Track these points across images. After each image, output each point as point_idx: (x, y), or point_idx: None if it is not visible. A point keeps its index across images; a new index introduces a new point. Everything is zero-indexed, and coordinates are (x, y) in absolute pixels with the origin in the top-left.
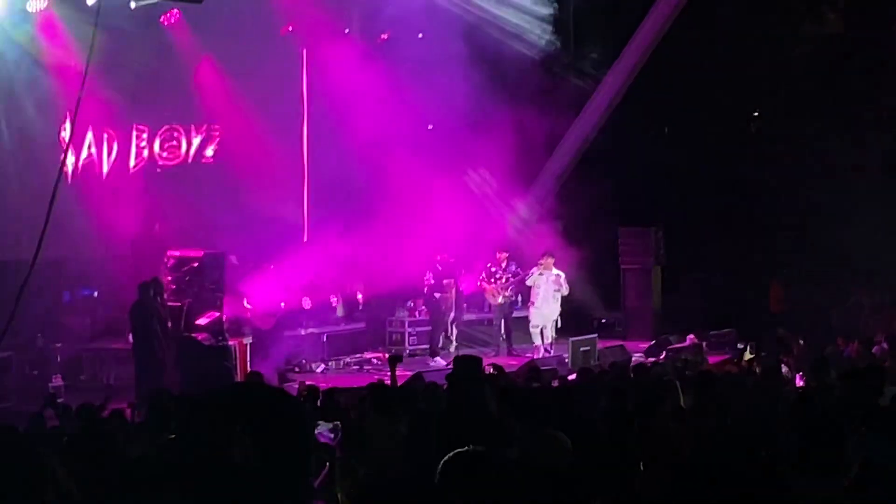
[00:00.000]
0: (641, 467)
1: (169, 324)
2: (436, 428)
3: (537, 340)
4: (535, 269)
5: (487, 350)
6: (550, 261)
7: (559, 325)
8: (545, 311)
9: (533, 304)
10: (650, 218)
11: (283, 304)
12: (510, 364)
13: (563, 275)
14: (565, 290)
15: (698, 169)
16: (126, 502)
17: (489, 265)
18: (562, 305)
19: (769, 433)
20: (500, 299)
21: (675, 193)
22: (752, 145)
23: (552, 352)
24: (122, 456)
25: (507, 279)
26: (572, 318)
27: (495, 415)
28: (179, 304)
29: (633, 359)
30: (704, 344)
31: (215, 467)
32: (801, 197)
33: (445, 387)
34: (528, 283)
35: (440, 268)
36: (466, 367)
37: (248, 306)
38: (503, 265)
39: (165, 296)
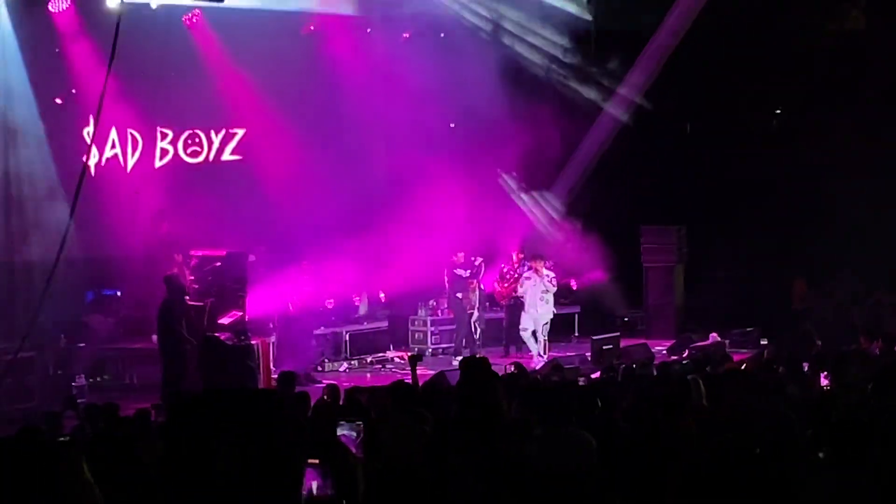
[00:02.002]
0: (665, 466)
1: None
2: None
3: (531, 346)
4: (526, 272)
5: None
6: (541, 263)
7: (548, 327)
8: (534, 315)
9: (524, 310)
10: (672, 216)
11: (290, 305)
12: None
13: (551, 274)
14: (552, 288)
15: (720, 166)
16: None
17: (503, 266)
18: (583, 304)
19: (791, 432)
20: (511, 301)
21: (698, 191)
22: (775, 142)
23: (545, 357)
24: (138, 459)
25: (521, 280)
26: (595, 316)
27: (508, 415)
28: (202, 303)
29: (656, 357)
30: (727, 342)
31: (198, 475)
32: (824, 194)
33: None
34: (520, 292)
35: (462, 267)
36: (474, 369)
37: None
38: (516, 266)
39: (188, 295)
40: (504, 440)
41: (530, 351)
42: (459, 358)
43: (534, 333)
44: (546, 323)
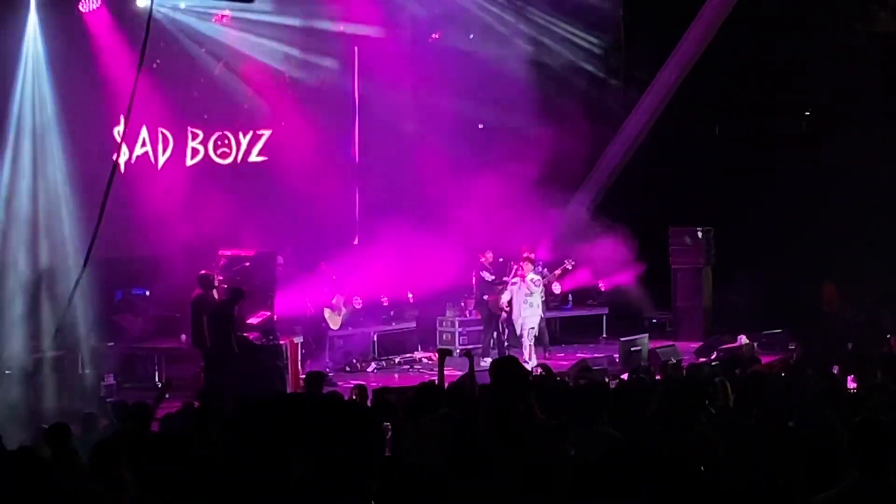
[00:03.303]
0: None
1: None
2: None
3: (525, 350)
4: (513, 277)
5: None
6: (529, 267)
7: (535, 332)
8: (519, 320)
9: (508, 312)
10: (701, 218)
11: (310, 306)
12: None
13: (537, 278)
14: (535, 289)
15: (749, 168)
16: None
17: (515, 267)
18: (611, 305)
19: (819, 434)
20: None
21: (726, 193)
22: (803, 144)
23: (531, 362)
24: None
25: (508, 285)
26: (623, 317)
27: (539, 416)
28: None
29: (685, 359)
30: (756, 344)
31: (268, 481)
32: (853, 196)
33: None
34: (504, 299)
35: (489, 270)
36: (505, 370)
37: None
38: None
39: (217, 294)
40: (538, 439)
41: (546, 352)
42: (488, 359)
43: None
44: (532, 328)
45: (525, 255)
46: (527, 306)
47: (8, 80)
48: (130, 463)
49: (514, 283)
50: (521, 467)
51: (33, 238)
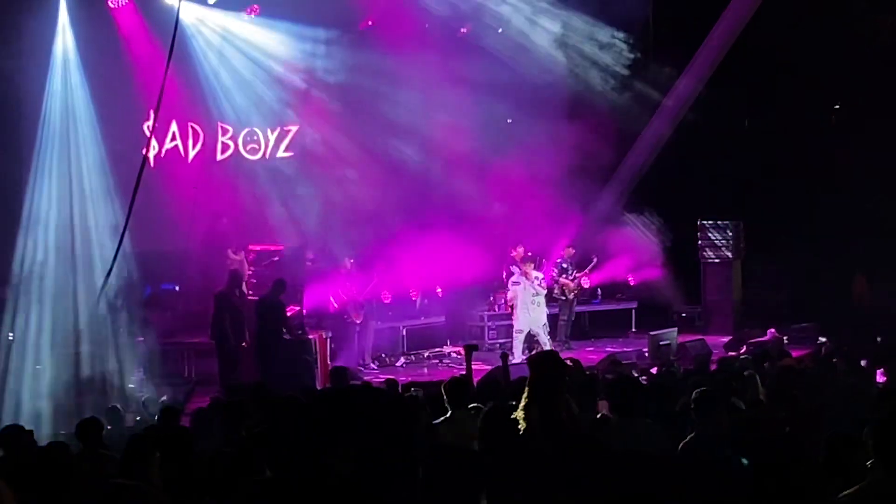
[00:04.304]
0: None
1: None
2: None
3: (517, 348)
4: (514, 277)
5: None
6: (530, 267)
7: (547, 328)
8: (525, 317)
9: (515, 315)
10: (730, 211)
11: (333, 300)
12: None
13: (541, 276)
14: (542, 290)
15: (779, 162)
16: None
17: (559, 260)
18: (640, 299)
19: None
20: (571, 294)
21: (756, 186)
22: (833, 137)
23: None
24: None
25: (510, 285)
26: (652, 311)
27: (576, 410)
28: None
29: (714, 353)
30: (785, 338)
31: (312, 474)
32: (883, 189)
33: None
34: (509, 297)
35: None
36: (545, 363)
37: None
38: (570, 260)
39: (247, 289)
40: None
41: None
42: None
43: (529, 336)
44: (544, 324)
45: (523, 254)
46: (534, 306)
47: (40, 78)
48: (161, 457)
49: (516, 284)
50: (562, 458)
51: (71, 237)
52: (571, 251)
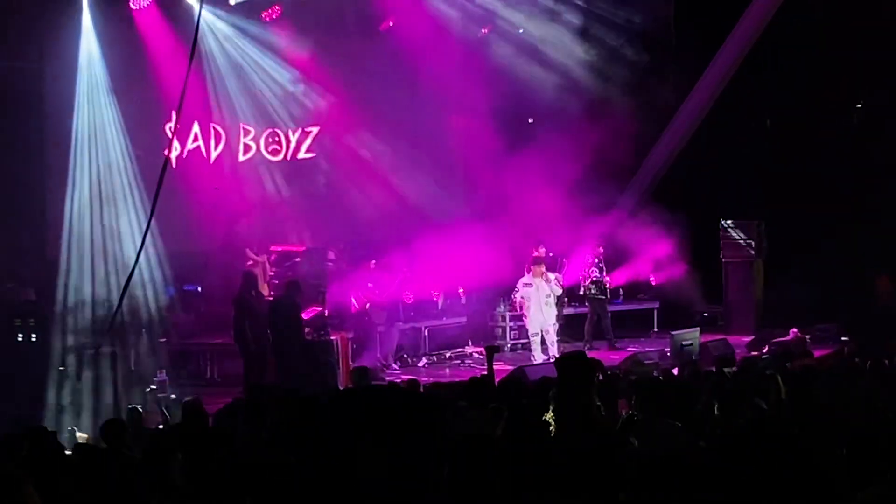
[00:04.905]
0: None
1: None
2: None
3: (536, 350)
4: (525, 279)
5: (579, 344)
6: (539, 268)
7: (557, 327)
8: (539, 318)
9: (525, 316)
10: (752, 211)
11: (354, 301)
12: (611, 358)
13: (558, 276)
14: (557, 290)
15: (801, 161)
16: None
17: (596, 259)
18: (662, 299)
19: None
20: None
21: (778, 186)
22: (855, 136)
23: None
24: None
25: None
26: (674, 311)
27: (602, 411)
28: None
29: (737, 353)
30: (808, 337)
31: (339, 475)
32: None
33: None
34: (517, 299)
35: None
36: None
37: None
38: (600, 258)
39: (268, 291)
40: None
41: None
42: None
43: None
44: (554, 323)
45: (545, 254)
46: (547, 307)
47: (64, 80)
48: (184, 458)
49: (528, 286)
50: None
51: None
52: (601, 250)
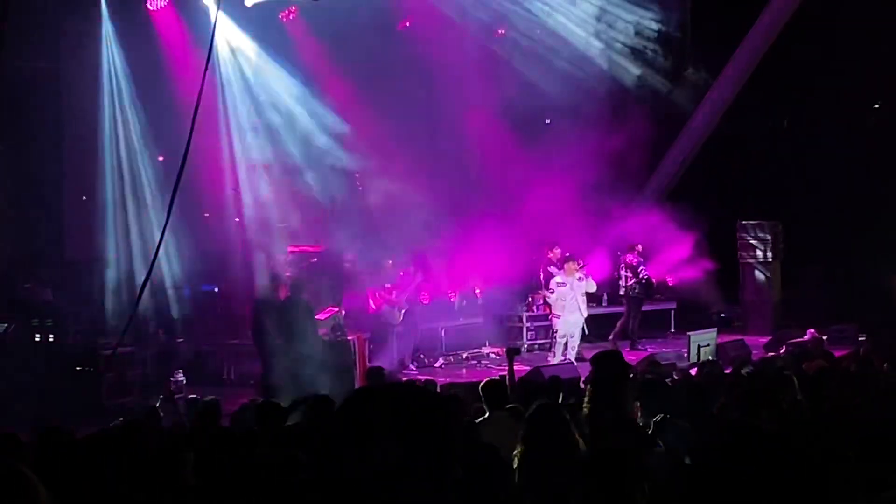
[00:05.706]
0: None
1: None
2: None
3: (559, 351)
4: (557, 277)
5: (603, 344)
6: (573, 265)
7: (586, 331)
8: (571, 320)
9: (557, 316)
10: (770, 211)
11: (371, 302)
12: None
13: (586, 276)
14: (592, 287)
15: (818, 161)
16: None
17: (640, 260)
18: (680, 299)
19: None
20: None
21: (795, 186)
22: (873, 137)
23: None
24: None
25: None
26: (691, 312)
27: (633, 413)
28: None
29: (754, 353)
30: (825, 338)
31: (354, 477)
32: None
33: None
34: (551, 299)
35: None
36: (610, 362)
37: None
38: (640, 259)
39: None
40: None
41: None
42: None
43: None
44: (581, 326)
45: (560, 255)
46: (581, 306)
47: (83, 81)
48: (199, 457)
49: (561, 286)
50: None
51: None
52: (639, 250)
